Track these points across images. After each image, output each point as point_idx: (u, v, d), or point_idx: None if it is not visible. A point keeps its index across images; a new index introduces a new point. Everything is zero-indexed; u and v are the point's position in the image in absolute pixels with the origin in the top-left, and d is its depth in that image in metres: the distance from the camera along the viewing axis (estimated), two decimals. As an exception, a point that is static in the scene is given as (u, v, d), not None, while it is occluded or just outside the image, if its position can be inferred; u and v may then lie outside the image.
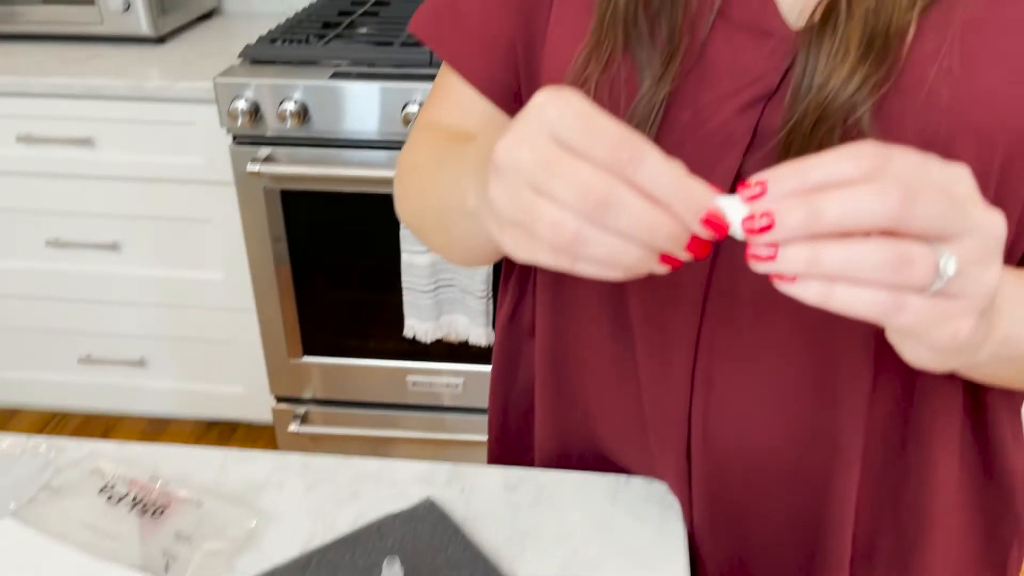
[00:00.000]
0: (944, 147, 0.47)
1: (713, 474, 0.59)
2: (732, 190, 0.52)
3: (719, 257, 0.54)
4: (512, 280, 0.71)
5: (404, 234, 1.56)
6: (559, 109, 0.38)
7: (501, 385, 0.75)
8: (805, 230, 0.36)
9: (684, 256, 0.39)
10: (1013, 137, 0.47)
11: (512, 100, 0.62)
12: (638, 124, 0.52)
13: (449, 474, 0.67)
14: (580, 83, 0.54)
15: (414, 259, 1.57)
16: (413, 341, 1.69)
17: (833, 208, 0.35)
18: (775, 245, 0.37)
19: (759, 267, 0.37)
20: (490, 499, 0.65)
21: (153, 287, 1.81)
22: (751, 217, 0.37)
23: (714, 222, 0.38)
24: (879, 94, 0.46)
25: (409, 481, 0.67)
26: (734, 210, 0.38)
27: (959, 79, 0.46)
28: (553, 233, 0.38)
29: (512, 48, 0.61)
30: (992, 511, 0.63)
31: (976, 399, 0.59)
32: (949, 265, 0.36)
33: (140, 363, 1.92)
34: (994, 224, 0.37)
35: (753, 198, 0.37)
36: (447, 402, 1.81)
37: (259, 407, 1.92)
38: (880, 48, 0.46)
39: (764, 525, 0.61)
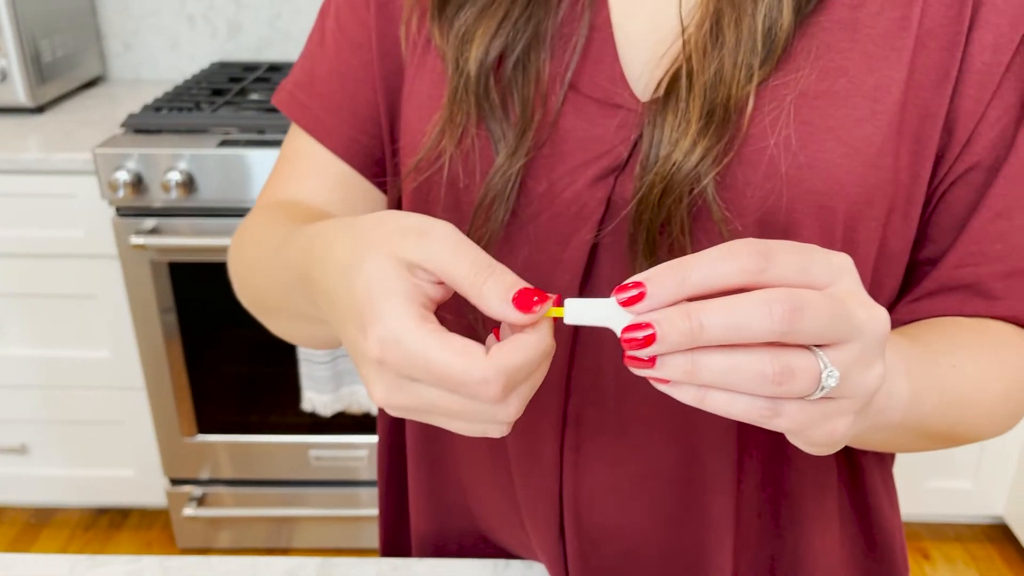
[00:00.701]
0: (786, 215, 0.47)
1: (588, 554, 0.57)
2: (589, 262, 0.51)
3: (581, 331, 0.53)
4: None
5: (299, 304, 1.51)
6: (397, 358, 0.36)
7: (392, 468, 0.71)
8: (687, 344, 0.34)
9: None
10: (851, 204, 0.47)
11: (373, 166, 0.61)
12: (494, 197, 0.51)
13: (319, 568, 0.63)
14: (434, 157, 0.52)
15: (311, 329, 1.52)
16: (315, 415, 1.63)
17: (717, 322, 0.33)
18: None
19: (636, 371, 0.36)
20: (362, 593, 0.61)
21: (34, 368, 1.71)
22: (631, 328, 0.35)
23: None
24: (721, 165, 0.46)
25: (276, 578, 0.62)
26: (611, 315, 0.36)
27: (797, 150, 0.46)
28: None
29: (374, 117, 0.59)
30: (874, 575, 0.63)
31: (851, 464, 0.59)
32: (831, 379, 0.35)
33: (22, 450, 1.79)
34: (878, 324, 0.36)
35: (631, 301, 0.35)
36: (363, 476, 1.74)
37: (152, 491, 1.81)
38: (720, 120, 0.46)
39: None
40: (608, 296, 0.37)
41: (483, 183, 0.51)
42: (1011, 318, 0.52)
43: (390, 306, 0.36)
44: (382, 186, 0.61)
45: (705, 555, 0.56)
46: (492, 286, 0.36)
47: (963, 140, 0.49)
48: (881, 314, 0.36)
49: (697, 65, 0.46)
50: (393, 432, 0.70)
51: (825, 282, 0.35)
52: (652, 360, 0.35)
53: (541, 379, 0.38)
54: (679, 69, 0.47)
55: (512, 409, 0.37)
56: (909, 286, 0.55)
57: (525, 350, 0.36)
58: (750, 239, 0.35)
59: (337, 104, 0.60)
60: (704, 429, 0.53)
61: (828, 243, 0.48)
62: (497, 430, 0.38)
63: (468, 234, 0.52)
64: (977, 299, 0.52)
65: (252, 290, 0.58)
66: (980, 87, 0.48)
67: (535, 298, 0.36)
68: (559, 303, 0.38)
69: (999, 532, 1.88)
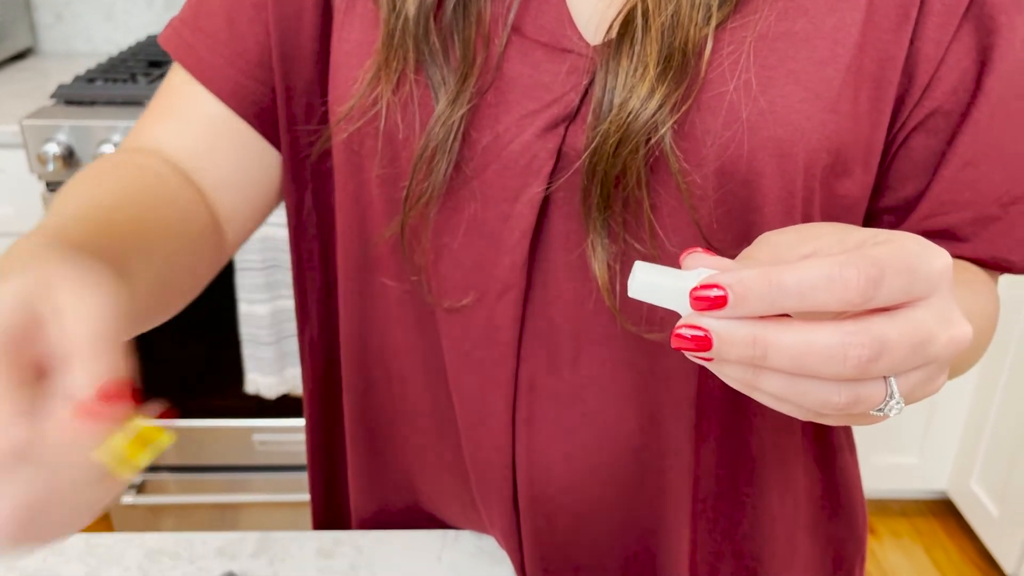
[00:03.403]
0: (746, 164, 0.45)
1: (542, 525, 0.55)
2: (540, 218, 0.49)
3: (534, 293, 0.50)
4: (318, 333, 0.64)
5: (241, 282, 1.47)
6: None
7: (319, 450, 0.68)
8: (744, 364, 0.32)
9: None
10: (811, 152, 0.45)
11: (260, 114, 0.56)
12: (435, 148, 0.48)
13: (257, 544, 0.60)
14: (369, 105, 0.49)
15: (253, 308, 1.47)
16: (259, 397, 1.58)
17: (783, 358, 0.31)
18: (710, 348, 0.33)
19: (688, 355, 0.34)
20: (301, 569, 0.58)
21: (-40, 352, 1.63)
22: (685, 327, 0.32)
23: None
24: (680, 112, 0.44)
25: (210, 555, 0.59)
26: (679, 300, 0.33)
27: (757, 94, 0.44)
28: None
29: (264, 62, 0.55)
30: (836, 537, 0.62)
31: (815, 425, 0.58)
32: (893, 409, 0.34)
33: (-52, 438, 1.71)
34: (953, 347, 0.34)
35: (709, 307, 0.32)
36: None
37: (89, 479, 1.75)
38: (679, 65, 0.44)
39: (600, 573, 0.57)
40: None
41: (423, 133, 0.48)
42: (975, 259, 0.52)
43: None
44: (271, 138, 0.57)
45: (663, 522, 0.55)
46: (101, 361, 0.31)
47: (923, 84, 0.47)
48: (962, 335, 0.34)
49: (653, 5, 0.44)
50: (320, 413, 0.65)
51: (923, 295, 0.32)
52: (710, 358, 0.33)
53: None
54: (633, 10, 0.45)
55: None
56: None
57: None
58: (861, 254, 0.31)
59: (223, 44, 0.54)
60: (662, 395, 0.51)
61: (788, 193, 0.46)
62: None
63: (408, 190, 0.49)
64: (943, 241, 0.51)
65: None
66: (940, 29, 0.46)
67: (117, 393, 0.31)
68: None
69: (943, 507, 1.91)
